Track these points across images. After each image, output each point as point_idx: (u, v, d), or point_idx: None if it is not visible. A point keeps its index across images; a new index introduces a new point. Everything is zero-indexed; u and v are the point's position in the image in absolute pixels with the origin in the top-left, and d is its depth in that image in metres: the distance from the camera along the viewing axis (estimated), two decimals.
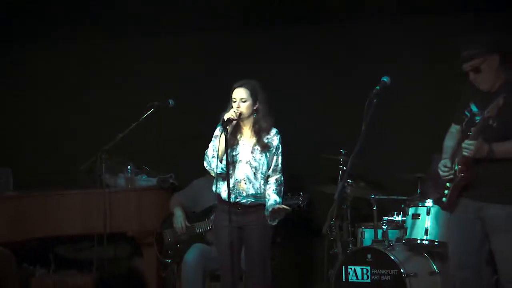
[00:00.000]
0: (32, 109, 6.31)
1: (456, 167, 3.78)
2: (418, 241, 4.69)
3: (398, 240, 4.90)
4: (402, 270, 4.58)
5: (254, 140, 4.30)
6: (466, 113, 3.80)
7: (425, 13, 5.37)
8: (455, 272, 3.91)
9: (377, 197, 5.02)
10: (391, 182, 5.29)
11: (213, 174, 4.27)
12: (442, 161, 3.87)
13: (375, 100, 3.73)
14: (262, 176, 4.26)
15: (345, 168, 4.99)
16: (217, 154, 4.17)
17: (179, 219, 5.20)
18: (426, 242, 4.65)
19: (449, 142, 3.95)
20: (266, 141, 4.27)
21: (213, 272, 5.07)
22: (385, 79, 3.86)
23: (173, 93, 5.61)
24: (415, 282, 4.58)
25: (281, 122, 4.92)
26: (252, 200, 4.24)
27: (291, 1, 5.67)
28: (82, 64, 6.28)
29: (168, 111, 5.37)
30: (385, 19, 5.52)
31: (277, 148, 4.30)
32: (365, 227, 5.12)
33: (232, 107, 4.22)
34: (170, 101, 5.29)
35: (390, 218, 5.01)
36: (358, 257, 4.77)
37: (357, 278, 4.73)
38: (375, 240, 4.94)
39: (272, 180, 4.28)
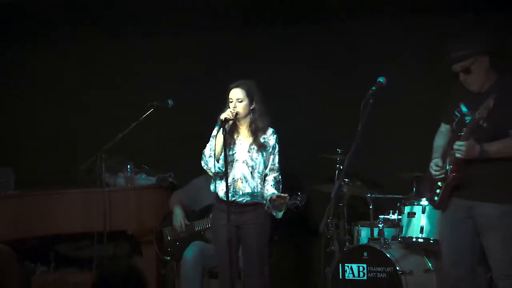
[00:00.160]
0: (32, 109, 6.39)
1: (447, 167, 3.88)
2: (414, 239, 4.78)
3: (394, 238, 4.98)
4: (397, 268, 4.67)
5: (250, 139, 4.41)
6: (456, 113, 3.90)
7: (425, 13, 5.43)
8: (449, 270, 4.01)
9: (373, 195, 5.09)
10: (387, 181, 5.36)
11: (210, 174, 4.41)
12: (434, 160, 3.98)
13: (371, 101, 3.85)
14: (259, 175, 4.38)
15: (341, 167, 5.04)
16: (214, 154, 4.27)
17: (179, 217, 5.34)
18: (422, 240, 4.74)
19: (439, 142, 4.07)
20: (262, 140, 4.39)
21: (212, 269, 5.17)
22: (381, 80, 3.98)
23: (173, 93, 5.67)
24: (411, 280, 4.67)
25: (281, 122, 4.99)
26: (249, 199, 4.36)
27: (291, 1, 5.74)
28: (82, 64, 6.35)
29: (168, 111, 5.42)
30: (385, 19, 5.58)
31: (273, 148, 4.42)
32: (361, 226, 5.20)
33: (229, 107, 4.32)
34: (170, 101, 5.36)
35: (386, 216, 5.07)
36: (355, 255, 4.86)
37: (353, 275, 4.82)
38: (371, 238, 5.03)
39: (270, 178, 4.41)
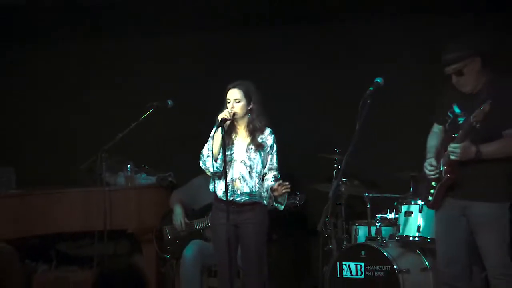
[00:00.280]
0: (32, 109, 6.43)
1: (441, 167, 3.97)
2: (411, 238, 4.84)
3: (391, 237, 5.05)
4: (395, 266, 4.73)
5: (248, 139, 4.46)
6: (449, 114, 3.99)
7: (425, 13, 5.49)
8: (444, 268, 4.10)
9: (370, 195, 5.15)
10: (384, 181, 5.43)
11: (208, 173, 4.47)
12: (428, 160, 4.06)
13: (368, 101, 3.91)
14: (257, 175, 4.43)
15: (339, 167, 5.10)
16: (212, 154, 4.34)
17: (179, 216, 5.41)
18: (418, 239, 4.80)
19: (432, 142, 4.15)
20: (260, 140, 4.45)
21: (211, 268, 5.25)
22: (378, 80, 4.04)
23: (173, 93, 5.71)
24: (408, 278, 4.74)
25: (280, 122, 5.05)
26: (247, 198, 4.41)
27: (291, 1, 5.77)
28: (82, 64, 6.41)
29: (168, 111, 5.46)
30: (385, 19, 5.63)
31: (271, 147, 4.48)
32: (359, 224, 5.26)
33: (227, 108, 4.38)
34: (169, 102, 5.41)
35: (383, 215, 5.14)
36: (352, 253, 4.91)
37: (351, 274, 4.88)
38: (369, 237, 5.10)
39: (269, 175, 4.46)
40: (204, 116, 4.63)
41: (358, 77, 5.26)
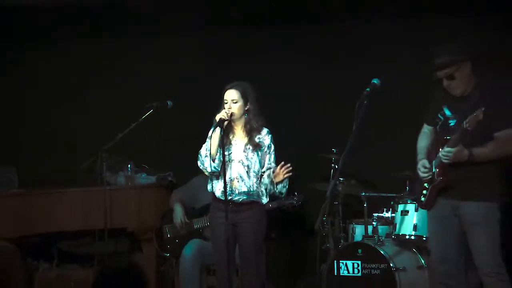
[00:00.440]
0: (32, 109, 6.47)
1: (434, 169, 4.07)
2: (407, 237, 4.93)
3: (388, 235, 5.13)
4: (391, 265, 4.83)
5: (246, 139, 4.54)
6: (440, 116, 4.09)
7: (425, 13, 5.54)
8: (437, 266, 4.21)
9: (367, 194, 5.24)
10: (381, 180, 5.49)
11: (206, 173, 4.55)
12: (420, 162, 4.16)
13: (365, 102, 3.96)
14: (255, 174, 4.50)
15: (337, 166, 5.17)
16: (210, 154, 4.42)
17: (179, 215, 5.48)
18: (414, 237, 4.88)
19: (422, 143, 4.25)
20: (257, 140, 4.53)
21: (210, 266, 5.31)
22: (375, 81, 4.08)
23: (173, 93, 5.76)
24: (404, 276, 4.83)
25: (281, 122, 5.16)
26: (245, 197, 4.49)
27: (291, 1, 5.82)
28: (82, 64, 6.43)
29: (168, 111, 5.50)
30: (385, 19, 5.66)
31: (269, 147, 4.56)
32: (356, 223, 5.33)
33: (224, 108, 4.46)
34: (169, 102, 5.46)
35: (380, 214, 5.21)
36: (349, 252, 5.00)
37: (348, 272, 4.96)
38: (366, 235, 5.18)
39: (267, 173, 4.53)
40: (204, 116, 4.68)
41: (358, 77, 5.13)
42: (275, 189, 4.53)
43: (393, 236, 5.06)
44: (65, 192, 5.66)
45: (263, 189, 4.56)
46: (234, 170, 4.50)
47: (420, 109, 5.03)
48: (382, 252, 4.91)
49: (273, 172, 4.49)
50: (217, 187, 4.53)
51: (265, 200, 4.59)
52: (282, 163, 4.47)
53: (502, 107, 3.94)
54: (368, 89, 4.06)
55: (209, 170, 4.49)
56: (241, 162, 4.52)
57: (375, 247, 4.95)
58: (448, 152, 3.92)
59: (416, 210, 4.89)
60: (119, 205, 5.54)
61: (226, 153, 4.47)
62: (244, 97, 4.52)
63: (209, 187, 4.61)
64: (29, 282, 5.64)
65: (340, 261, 4.99)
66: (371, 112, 4.02)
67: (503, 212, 4.05)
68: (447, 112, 4.07)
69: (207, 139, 4.53)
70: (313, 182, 5.47)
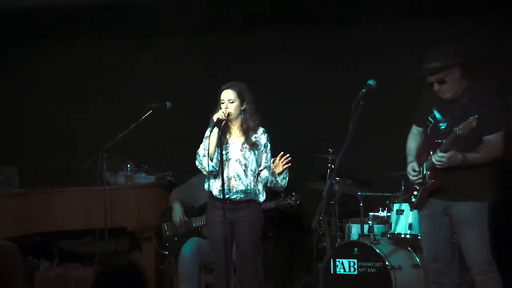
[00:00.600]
0: (32, 109, 6.51)
1: (424, 171, 4.14)
2: (402, 236, 5.02)
3: (383, 234, 5.20)
4: (387, 263, 4.90)
5: (242, 139, 4.62)
6: (430, 119, 4.17)
7: (425, 14, 5.60)
8: (429, 265, 4.31)
9: (363, 194, 5.30)
10: (377, 180, 5.55)
11: (204, 173, 4.64)
12: (410, 165, 4.23)
13: (361, 102, 4.04)
14: (252, 173, 4.59)
15: (333, 166, 5.22)
16: (208, 153, 4.51)
17: (178, 213, 5.55)
18: (410, 236, 4.97)
19: (412, 144, 4.32)
20: (254, 139, 4.61)
21: (209, 265, 5.34)
22: (370, 82, 4.16)
23: (173, 93, 5.84)
24: (399, 274, 4.91)
25: (280, 121, 5.23)
26: (242, 196, 4.58)
27: (291, 1, 5.87)
28: (82, 64, 6.43)
29: (167, 111, 5.59)
30: (385, 20, 5.72)
31: (265, 146, 4.65)
32: (352, 222, 5.40)
33: (220, 108, 4.56)
34: (168, 103, 5.55)
35: (375, 213, 5.29)
36: (346, 250, 5.07)
37: (344, 270, 5.03)
38: (362, 234, 5.25)
39: (264, 172, 4.63)
40: (203, 116, 4.72)
41: (358, 77, 5.25)
42: (277, 179, 4.62)
43: (388, 235, 5.13)
44: (66, 192, 5.71)
45: (260, 187, 4.66)
46: (232, 169, 4.59)
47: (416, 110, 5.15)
48: (378, 250, 4.98)
49: (273, 163, 4.59)
50: (215, 186, 4.61)
51: (262, 198, 4.68)
52: (282, 153, 4.58)
53: (492, 110, 4.03)
54: (364, 90, 4.13)
55: (207, 169, 4.57)
56: (238, 161, 4.60)
57: (371, 245, 5.02)
58: (442, 157, 3.99)
59: (411, 210, 4.84)
60: (118, 204, 5.61)
61: (223, 152, 4.54)
62: (241, 97, 4.61)
63: (206, 186, 4.69)
64: (30, 281, 5.68)
65: (337, 260, 5.05)
66: (367, 113, 4.08)
67: (492, 211, 4.13)
68: (438, 115, 4.15)
69: (204, 139, 4.61)
70: (309, 182, 5.52)
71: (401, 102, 5.52)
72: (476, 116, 3.83)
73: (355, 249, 5.05)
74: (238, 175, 4.60)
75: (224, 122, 4.53)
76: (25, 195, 5.70)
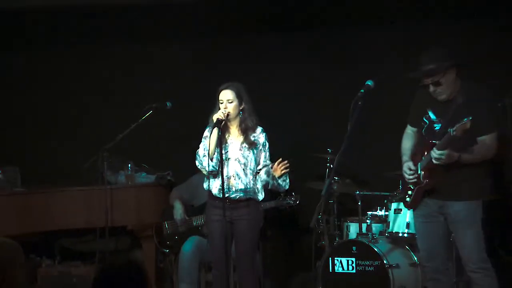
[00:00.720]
0: (32, 109, 6.55)
1: (419, 172, 4.21)
2: (400, 234, 5.09)
3: (381, 233, 5.26)
4: (385, 261, 4.96)
5: (241, 138, 4.69)
6: (425, 119, 4.23)
7: (424, 15, 5.63)
8: (426, 263, 4.38)
9: (361, 193, 5.36)
10: (375, 179, 5.59)
11: (204, 172, 4.69)
12: (406, 164, 4.30)
13: (359, 103, 4.11)
14: (251, 172, 4.67)
15: (332, 166, 5.23)
16: (208, 153, 4.58)
17: (179, 212, 5.61)
18: (407, 235, 5.03)
19: (407, 144, 4.39)
20: (252, 139, 4.68)
21: (209, 263, 5.34)
22: (369, 83, 4.22)
23: (173, 93, 5.87)
24: (397, 273, 4.97)
25: (280, 121, 5.24)
26: (242, 195, 4.65)
27: (291, 2, 5.92)
28: (83, 64, 6.46)
29: (168, 111, 5.61)
30: (385, 21, 5.76)
31: (263, 145, 4.72)
32: (350, 221, 5.45)
33: (220, 109, 4.62)
34: (168, 103, 5.59)
35: (373, 212, 5.34)
36: (344, 249, 5.12)
37: (343, 269, 5.08)
38: (360, 233, 5.31)
39: (263, 171, 4.69)
40: (203, 116, 4.77)
41: (358, 77, 5.19)
42: (277, 183, 4.68)
43: (386, 234, 5.19)
44: (67, 191, 5.76)
45: (259, 186, 4.72)
46: (231, 168, 4.65)
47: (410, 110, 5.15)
48: (376, 249, 5.03)
49: (272, 167, 4.66)
50: (214, 185, 4.68)
51: (260, 197, 4.74)
52: (280, 159, 4.64)
53: (486, 111, 4.09)
54: (362, 91, 4.19)
55: (207, 169, 4.62)
56: (237, 160, 4.67)
57: (369, 244, 5.08)
58: (441, 154, 4.04)
59: (408, 209, 4.92)
60: (119, 203, 5.66)
61: (223, 151, 4.59)
62: (239, 97, 4.67)
63: (205, 185, 4.75)
64: (32, 278, 5.74)
65: (335, 258, 5.11)
66: (365, 113, 4.13)
67: (486, 209, 4.20)
68: (432, 116, 4.20)
69: (203, 139, 4.67)
70: (309, 181, 5.57)
71: (399, 102, 5.40)
72: (470, 118, 3.89)
73: (354, 248, 5.10)
74: (237, 174, 4.66)
75: (223, 122, 4.58)
76: (27, 194, 5.76)
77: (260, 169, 4.72)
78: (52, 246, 6.20)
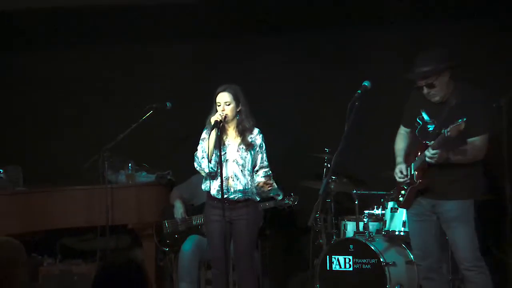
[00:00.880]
0: (32, 109, 6.59)
1: (412, 171, 4.30)
2: (396, 233, 5.15)
3: (378, 231, 5.32)
4: (381, 259, 5.03)
5: (239, 139, 4.75)
6: (418, 120, 4.31)
7: (424, 15, 5.69)
8: (419, 262, 4.47)
9: (358, 192, 5.43)
10: (371, 178, 5.65)
11: (203, 174, 4.77)
12: (398, 167, 4.38)
13: (356, 103, 4.19)
14: (249, 172, 4.74)
15: (329, 165, 5.23)
16: (207, 155, 4.64)
17: (179, 211, 5.67)
18: (404, 233, 5.06)
19: (400, 145, 4.47)
20: (250, 140, 4.75)
21: (208, 262, 5.41)
22: (366, 84, 4.31)
23: (173, 93, 5.91)
24: (394, 270, 5.04)
25: (279, 121, 5.28)
26: (240, 195, 4.72)
27: (291, 2, 5.98)
28: (83, 64, 6.46)
29: (168, 111, 5.68)
30: (385, 21, 5.79)
31: (260, 147, 4.78)
32: (347, 220, 5.51)
33: (217, 111, 4.69)
34: (168, 103, 5.66)
35: (370, 211, 5.41)
36: (341, 247, 5.19)
37: (340, 267, 5.15)
38: (357, 231, 5.36)
39: (260, 172, 4.79)
40: (203, 116, 4.81)
41: (357, 77, 5.19)
42: (270, 194, 4.80)
43: (383, 232, 5.25)
44: (68, 190, 5.81)
45: (255, 185, 4.80)
46: (230, 169, 4.73)
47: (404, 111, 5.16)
48: (372, 247, 5.10)
49: (257, 185, 4.74)
50: (213, 186, 4.75)
51: (258, 197, 4.83)
52: (265, 181, 4.72)
53: (478, 112, 4.17)
54: (359, 91, 4.26)
55: (206, 170, 4.69)
56: (235, 162, 4.75)
57: (366, 242, 5.14)
58: (434, 154, 4.11)
59: (403, 208, 4.92)
60: (120, 202, 5.72)
61: (220, 153, 4.64)
62: (236, 99, 4.74)
63: (203, 186, 4.82)
64: (34, 277, 5.78)
65: (332, 256, 5.17)
66: (363, 113, 4.21)
67: (479, 209, 4.29)
68: (426, 117, 4.28)
69: (201, 141, 4.74)
70: (306, 181, 5.62)
71: (396, 103, 5.39)
72: (465, 119, 3.96)
73: (351, 246, 5.16)
74: (235, 175, 4.73)
75: (221, 124, 4.64)
76: (29, 194, 5.82)
77: (257, 170, 4.78)
78: (53, 245, 6.23)
